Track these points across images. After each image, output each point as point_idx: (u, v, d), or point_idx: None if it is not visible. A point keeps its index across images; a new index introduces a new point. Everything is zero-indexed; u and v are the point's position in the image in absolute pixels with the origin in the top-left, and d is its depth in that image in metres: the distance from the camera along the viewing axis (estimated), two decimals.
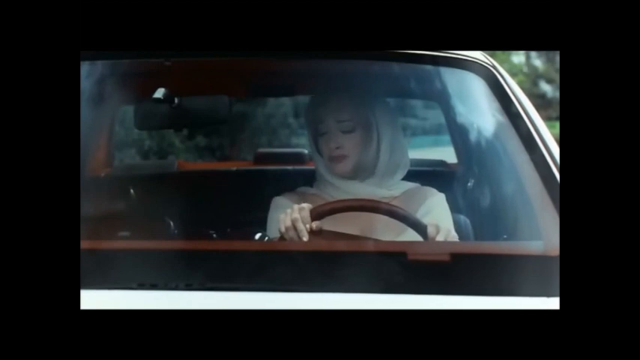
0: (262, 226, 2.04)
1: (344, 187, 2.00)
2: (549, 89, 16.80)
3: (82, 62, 1.53)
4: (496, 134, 1.89)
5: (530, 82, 16.69)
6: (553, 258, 1.39)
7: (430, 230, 1.76)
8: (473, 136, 2.11)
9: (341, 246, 1.68)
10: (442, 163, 3.18)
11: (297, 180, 2.13)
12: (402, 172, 2.04)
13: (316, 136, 2.03)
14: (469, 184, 2.32)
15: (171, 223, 2.47)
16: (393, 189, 2.02)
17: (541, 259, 1.47)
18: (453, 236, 1.80)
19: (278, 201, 2.04)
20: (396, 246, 1.70)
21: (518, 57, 17.27)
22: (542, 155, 1.64)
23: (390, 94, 2.33)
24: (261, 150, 3.81)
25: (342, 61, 2.00)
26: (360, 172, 2.01)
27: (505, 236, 1.86)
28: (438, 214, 1.94)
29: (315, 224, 1.76)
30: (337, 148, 1.98)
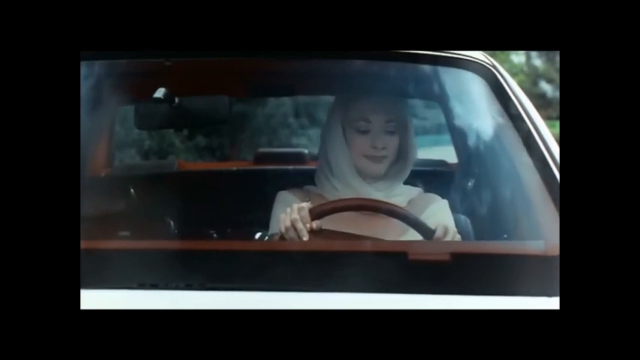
0: (262, 226, 2.03)
1: (357, 189, 1.97)
2: (549, 89, 16.80)
3: (82, 62, 1.53)
4: (496, 134, 1.89)
5: (530, 81, 16.68)
6: (553, 258, 1.39)
7: (439, 232, 1.76)
8: (473, 136, 2.11)
9: (341, 246, 1.68)
10: (442, 162, 3.18)
11: (297, 180, 2.12)
12: (406, 175, 2.04)
13: (351, 133, 1.97)
14: (469, 183, 2.32)
15: (172, 223, 2.48)
16: (399, 194, 2.00)
17: (541, 259, 1.47)
18: (458, 239, 1.80)
19: (282, 195, 2.03)
20: (396, 246, 1.70)
21: (518, 57, 17.27)
22: (543, 155, 1.64)
23: (391, 94, 2.33)
24: (262, 150, 3.81)
25: (342, 61, 1.99)
26: (389, 175, 1.99)
27: (505, 236, 1.86)
28: (441, 219, 1.94)
29: (315, 224, 1.76)
30: (383, 148, 1.95)
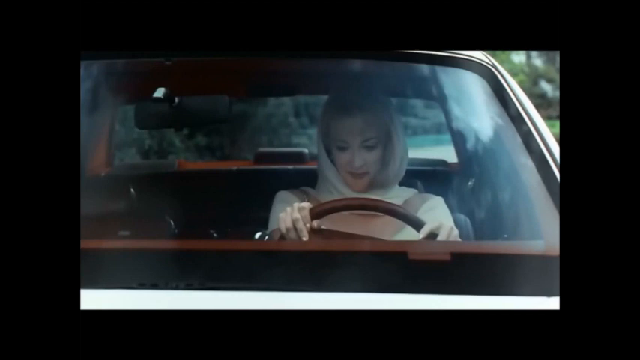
0: (262, 225, 2.04)
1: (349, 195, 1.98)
2: (549, 89, 16.81)
3: (82, 62, 1.53)
4: (496, 134, 1.89)
5: (530, 81, 16.70)
6: (553, 258, 1.39)
7: (424, 231, 1.75)
8: (473, 136, 2.11)
9: (341, 246, 1.68)
10: (443, 162, 3.18)
11: (297, 179, 2.13)
12: (397, 179, 2.04)
13: (333, 149, 1.99)
14: (469, 183, 2.32)
15: (172, 223, 2.48)
16: (394, 197, 2.01)
17: (541, 259, 1.48)
18: (455, 235, 1.80)
19: (282, 195, 2.03)
20: (396, 245, 1.70)
21: (518, 57, 17.28)
22: (543, 155, 1.64)
23: (391, 93, 2.33)
24: (262, 150, 3.80)
25: (342, 61, 1.99)
26: (374, 186, 2.00)
27: (505, 236, 1.86)
28: (438, 214, 1.94)
29: (315, 223, 1.76)
30: (362, 165, 1.96)
